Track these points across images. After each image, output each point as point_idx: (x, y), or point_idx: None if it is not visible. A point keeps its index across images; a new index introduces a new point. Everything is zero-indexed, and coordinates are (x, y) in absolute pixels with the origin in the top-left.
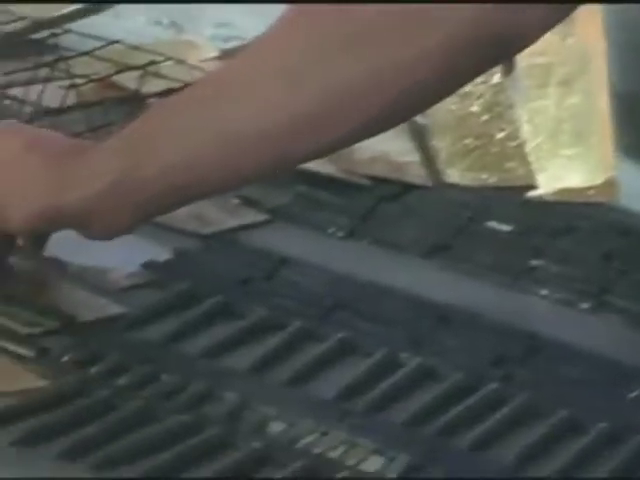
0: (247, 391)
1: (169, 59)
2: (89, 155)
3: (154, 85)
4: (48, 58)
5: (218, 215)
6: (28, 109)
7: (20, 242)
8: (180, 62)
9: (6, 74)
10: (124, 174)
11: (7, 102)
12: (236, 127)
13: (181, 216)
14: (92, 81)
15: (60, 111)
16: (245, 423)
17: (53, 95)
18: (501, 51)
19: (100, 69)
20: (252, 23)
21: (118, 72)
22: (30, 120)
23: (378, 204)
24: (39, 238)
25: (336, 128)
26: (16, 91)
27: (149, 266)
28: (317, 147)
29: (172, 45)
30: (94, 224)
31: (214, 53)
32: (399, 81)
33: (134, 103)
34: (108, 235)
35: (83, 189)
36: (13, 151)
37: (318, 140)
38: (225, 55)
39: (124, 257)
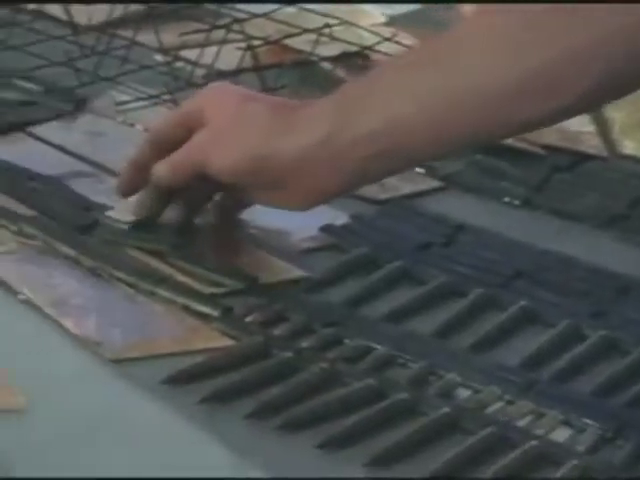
0: (431, 356)
1: (344, 23)
2: (308, 106)
3: (327, 49)
4: (223, 21)
5: (393, 181)
6: (200, 71)
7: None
8: (355, 26)
9: (182, 35)
10: (336, 131)
11: (180, 64)
12: (463, 88)
13: None
14: (269, 43)
15: (233, 73)
16: (430, 389)
17: (226, 58)
18: None
19: (272, 32)
20: None
21: (293, 35)
22: (203, 83)
23: (553, 174)
24: (239, 203)
25: (561, 94)
26: (188, 53)
27: (327, 230)
28: (538, 114)
29: (341, 10)
30: (298, 182)
31: (382, 19)
32: (624, 47)
33: (307, 66)
34: (305, 200)
35: (300, 136)
36: (234, 99)
37: (541, 107)
38: (393, 21)
39: (302, 221)
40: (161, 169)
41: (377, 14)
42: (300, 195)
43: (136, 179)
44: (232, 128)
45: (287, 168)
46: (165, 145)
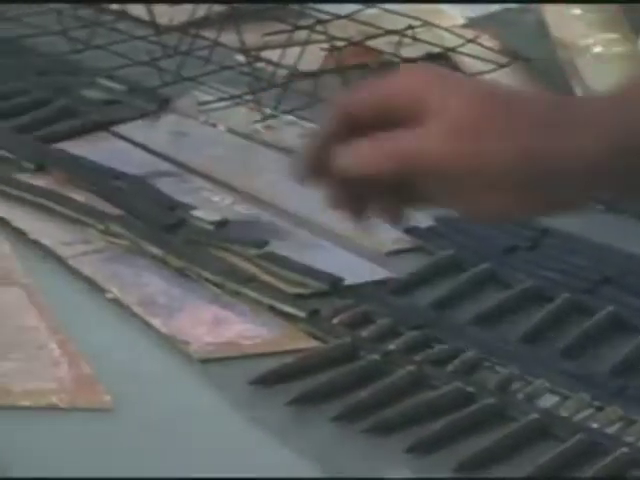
0: (519, 361)
1: (426, 24)
2: (585, 104)
3: (409, 50)
4: (305, 22)
5: None
6: (282, 72)
7: None
8: (437, 28)
9: (265, 35)
10: (619, 138)
11: (261, 64)
12: None
13: None
14: (352, 44)
15: (315, 74)
16: (518, 394)
17: (307, 58)
18: None
19: (353, 33)
20: None
21: (376, 36)
22: (285, 83)
23: None
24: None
25: None
26: (270, 54)
27: (412, 232)
28: None
29: (420, 11)
30: (543, 188)
31: (461, 20)
32: None
33: (389, 67)
34: (525, 209)
35: (583, 138)
36: (468, 87)
37: None
38: (472, 23)
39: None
40: (360, 156)
41: (456, 15)
42: (526, 204)
43: (318, 163)
44: (492, 120)
45: (571, 172)
46: (355, 127)
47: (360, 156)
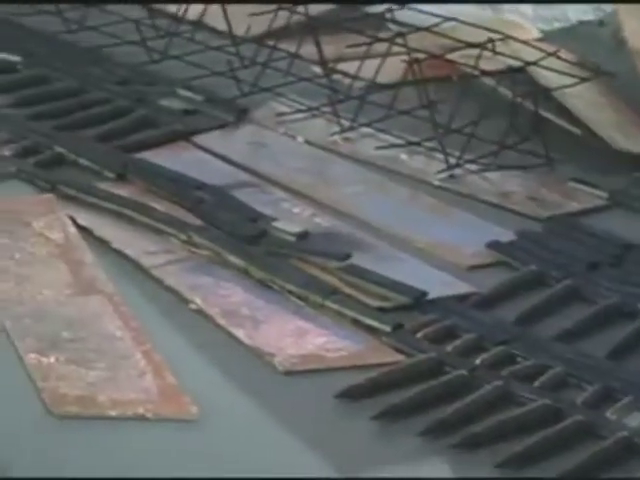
0: (605, 379)
1: (507, 38)
2: None
3: (488, 63)
4: (383, 34)
5: (555, 198)
6: (359, 84)
7: None
8: (517, 41)
9: (348, 46)
10: None
11: (338, 76)
12: None
13: (519, 198)
14: (433, 57)
15: (393, 86)
16: (607, 411)
17: (383, 70)
18: None
19: (428, 45)
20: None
21: (457, 49)
22: (363, 95)
23: None
24: None
25: None
26: (347, 66)
27: (494, 246)
28: None
29: (496, 24)
30: None
31: (537, 34)
32: None
33: (468, 81)
34: None
35: None
36: None
37: None
38: (548, 36)
39: (468, 236)
40: None
41: (532, 29)
42: None
43: None
44: None
45: None
46: None
47: None
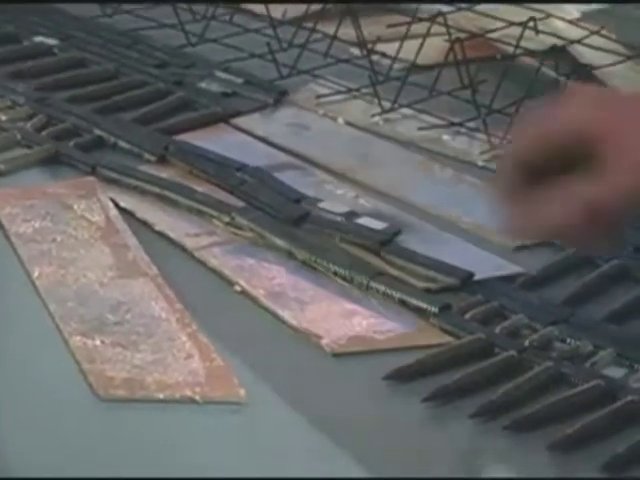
0: None
1: (549, 16)
2: None
3: (529, 43)
4: (423, 14)
5: None
6: (399, 65)
7: None
8: (559, 19)
9: (389, 26)
10: None
11: (377, 57)
12: None
13: None
14: (475, 37)
15: (434, 67)
16: None
17: (423, 51)
18: None
19: (467, 24)
20: None
21: (498, 29)
22: (404, 76)
23: None
24: None
25: None
26: (386, 47)
27: None
28: None
29: (536, 5)
30: None
31: (576, 14)
32: None
33: (509, 61)
34: None
35: None
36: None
37: None
38: (586, 17)
39: None
40: (562, 211)
41: (572, 9)
42: None
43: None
44: None
45: None
46: (531, 170)
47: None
